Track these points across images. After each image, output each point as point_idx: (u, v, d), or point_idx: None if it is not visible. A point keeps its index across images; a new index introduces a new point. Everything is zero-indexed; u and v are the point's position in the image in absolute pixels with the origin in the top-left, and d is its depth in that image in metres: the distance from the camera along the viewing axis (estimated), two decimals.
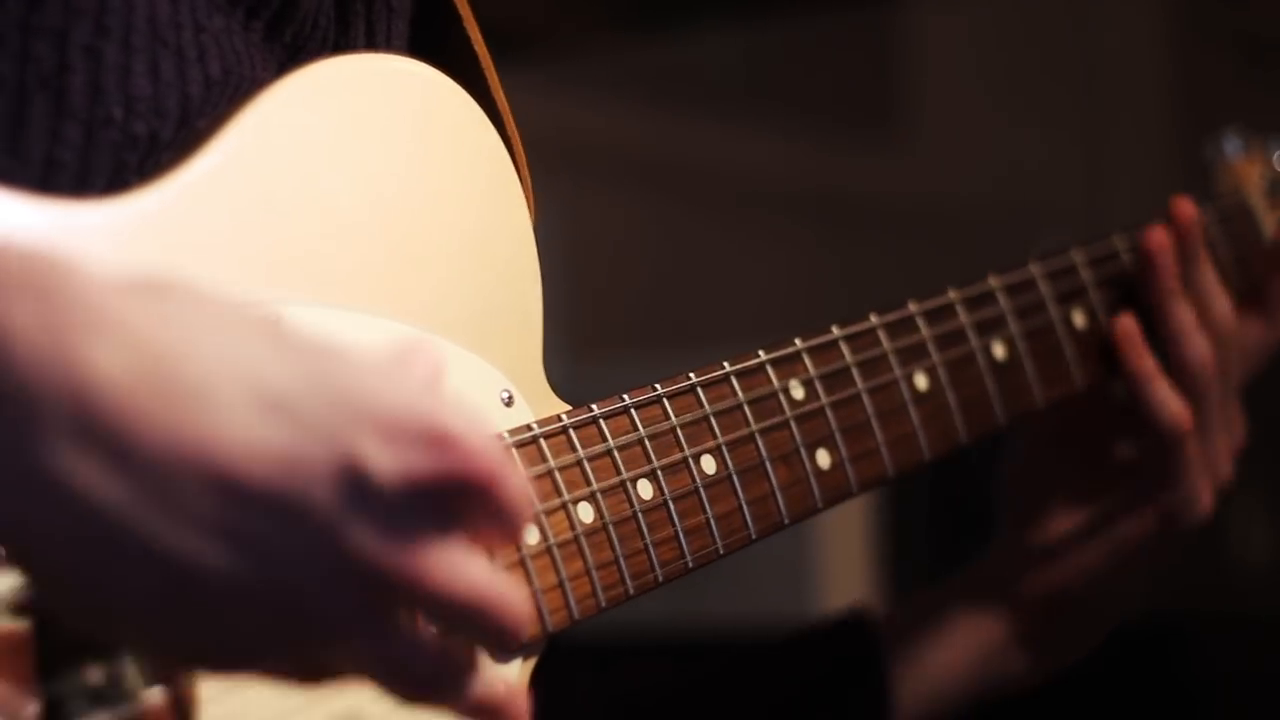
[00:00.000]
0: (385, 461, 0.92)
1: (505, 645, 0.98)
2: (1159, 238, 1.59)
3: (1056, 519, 1.62)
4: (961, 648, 1.62)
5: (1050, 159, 4.88)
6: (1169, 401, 1.55)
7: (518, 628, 0.96)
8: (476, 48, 1.29)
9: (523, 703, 1.00)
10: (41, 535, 0.90)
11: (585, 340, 3.95)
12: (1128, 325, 1.57)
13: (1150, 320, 1.58)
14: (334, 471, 0.92)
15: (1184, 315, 1.57)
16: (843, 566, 2.89)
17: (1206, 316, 1.59)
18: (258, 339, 0.93)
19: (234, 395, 0.91)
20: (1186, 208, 1.59)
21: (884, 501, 2.92)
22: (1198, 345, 1.57)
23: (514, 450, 1.17)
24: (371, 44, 1.27)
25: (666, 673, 1.63)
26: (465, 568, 0.95)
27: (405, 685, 0.96)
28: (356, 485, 0.92)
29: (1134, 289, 1.59)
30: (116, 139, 1.10)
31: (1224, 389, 1.60)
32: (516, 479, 0.95)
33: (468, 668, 0.97)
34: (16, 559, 0.93)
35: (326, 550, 0.92)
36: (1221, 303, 1.60)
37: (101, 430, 0.89)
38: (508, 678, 1.17)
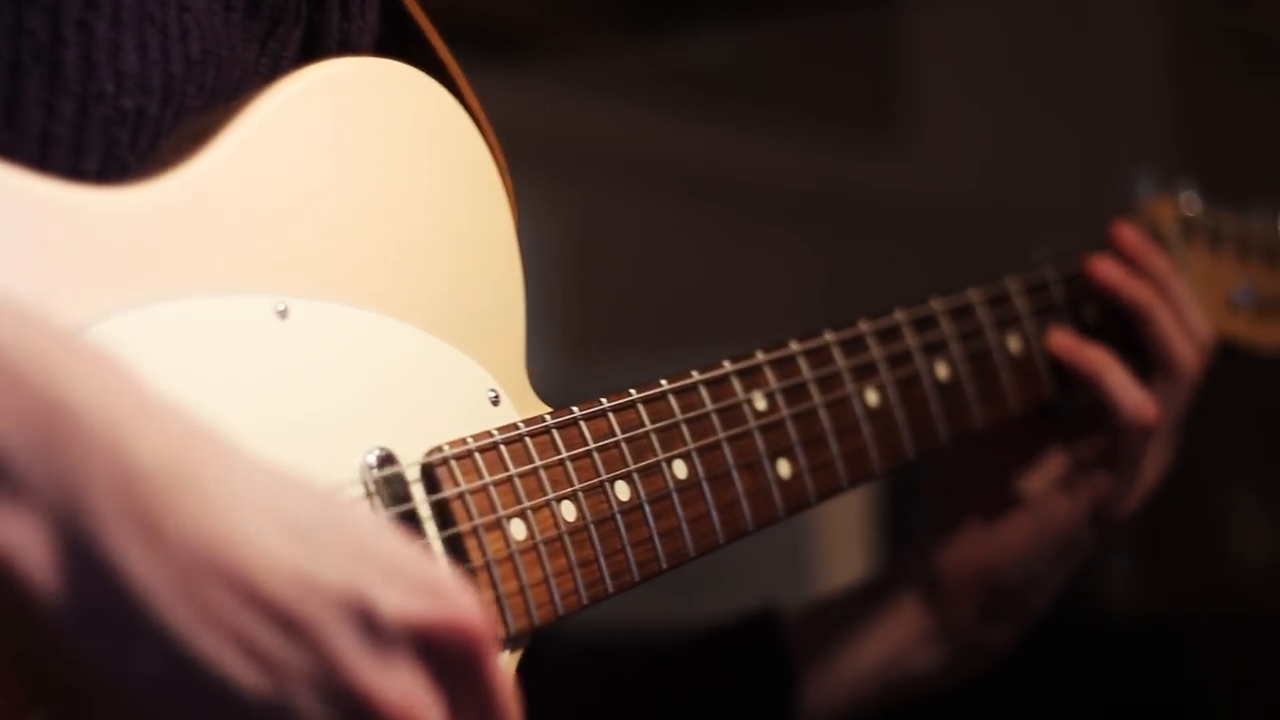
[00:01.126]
0: (391, 601, 0.96)
1: None
2: (1128, 236, 1.62)
3: (984, 496, 1.63)
4: (874, 645, 1.62)
5: (1050, 159, 4.88)
6: (1131, 390, 1.57)
7: None
8: (442, 55, 1.31)
9: None
10: (75, 602, 0.91)
11: (582, 340, 3.95)
12: (1062, 334, 1.59)
13: (1109, 338, 1.61)
14: (344, 601, 0.95)
15: (1168, 317, 1.59)
16: (842, 562, 2.89)
17: (1185, 323, 1.61)
18: (277, 475, 0.97)
19: (259, 513, 0.95)
20: (1129, 233, 1.63)
21: (884, 495, 2.92)
22: (1183, 346, 1.59)
23: (502, 447, 1.20)
24: (345, 18, 1.28)
25: (575, 670, 1.64)
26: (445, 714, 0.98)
27: None
28: (363, 618, 0.96)
29: (1068, 316, 1.61)
30: (108, 114, 1.11)
31: (1186, 403, 1.61)
32: (497, 648, 1.00)
33: None
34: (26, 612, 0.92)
35: (325, 675, 0.94)
36: (1197, 311, 1.61)
37: (142, 513, 0.92)
38: None
